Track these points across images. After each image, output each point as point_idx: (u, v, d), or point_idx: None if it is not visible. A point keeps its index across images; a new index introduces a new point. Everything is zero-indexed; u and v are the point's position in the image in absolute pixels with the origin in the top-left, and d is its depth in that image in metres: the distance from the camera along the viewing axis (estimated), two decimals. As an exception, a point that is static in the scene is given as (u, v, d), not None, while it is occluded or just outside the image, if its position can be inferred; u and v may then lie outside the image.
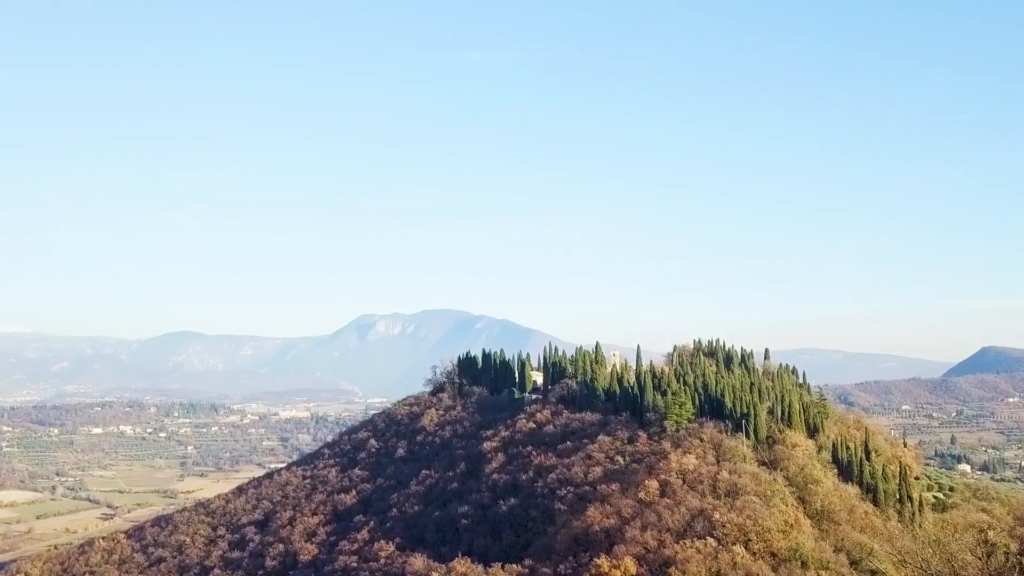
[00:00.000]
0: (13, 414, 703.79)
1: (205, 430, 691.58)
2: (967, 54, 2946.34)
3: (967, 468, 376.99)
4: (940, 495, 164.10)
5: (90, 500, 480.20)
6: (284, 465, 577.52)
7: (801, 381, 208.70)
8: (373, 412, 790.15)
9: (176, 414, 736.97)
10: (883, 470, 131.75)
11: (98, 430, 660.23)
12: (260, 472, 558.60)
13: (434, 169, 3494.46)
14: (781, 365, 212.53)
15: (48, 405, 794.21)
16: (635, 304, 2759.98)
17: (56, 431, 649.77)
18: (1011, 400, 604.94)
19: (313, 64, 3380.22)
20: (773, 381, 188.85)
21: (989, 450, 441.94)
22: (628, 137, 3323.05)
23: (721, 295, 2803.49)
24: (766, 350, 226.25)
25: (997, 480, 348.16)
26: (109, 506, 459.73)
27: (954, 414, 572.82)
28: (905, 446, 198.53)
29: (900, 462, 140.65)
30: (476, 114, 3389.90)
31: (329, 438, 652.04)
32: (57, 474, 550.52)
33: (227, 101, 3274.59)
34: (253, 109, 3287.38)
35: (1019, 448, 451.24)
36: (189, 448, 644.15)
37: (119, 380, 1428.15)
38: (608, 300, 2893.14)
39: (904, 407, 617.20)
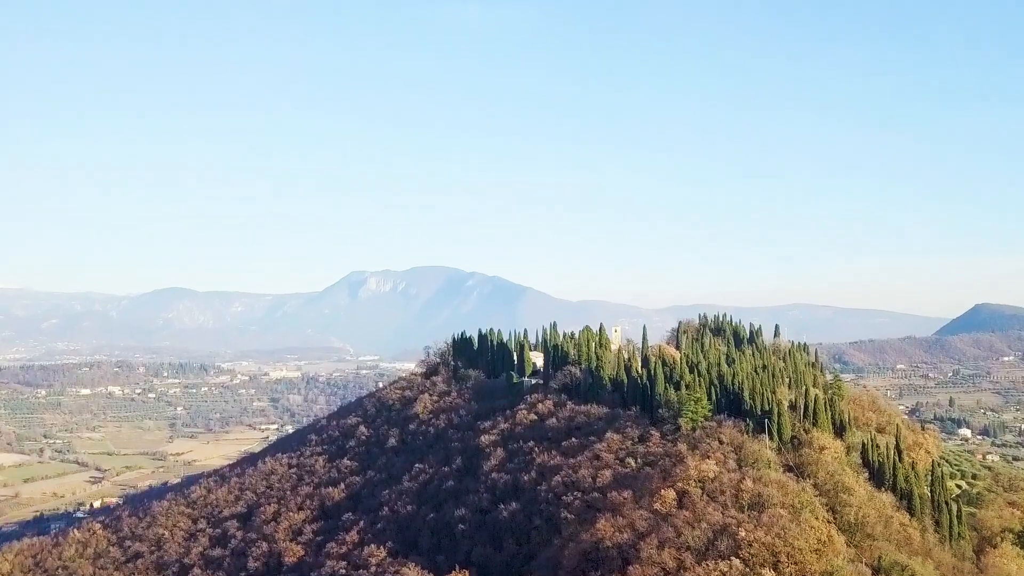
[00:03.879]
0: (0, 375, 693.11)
1: (195, 391, 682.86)
2: (968, 14, 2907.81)
3: (968, 433, 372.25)
4: (964, 484, 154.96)
5: (78, 463, 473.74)
6: (275, 427, 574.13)
7: (813, 359, 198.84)
8: (364, 371, 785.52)
9: (165, 374, 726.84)
10: (915, 470, 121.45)
11: (86, 391, 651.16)
12: (251, 433, 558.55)
13: (427, 126, 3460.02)
14: (793, 343, 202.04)
15: (36, 365, 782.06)
16: (627, 261, 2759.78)
17: (43, 392, 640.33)
18: (1006, 359, 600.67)
19: (305, 26, 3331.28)
20: (785, 361, 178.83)
21: (988, 412, 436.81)
22: (622, 98, 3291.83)
23: (711, 250, 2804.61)
24: (776, 327, 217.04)
25: (999, 445, 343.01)
26: (98, 469, 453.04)
27: (950, 374, 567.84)
28: (923, 428, 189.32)
29: (933, 462, 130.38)
30: (470, 72, 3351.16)
31: (320, 399, 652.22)
32: (45, 436, 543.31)
33: (216, 65, 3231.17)
34: (243, 72, 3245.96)
35: (1017, 410, 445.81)
36: (179, 409, 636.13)
37: (109, 338, 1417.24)
38: (600, 257, 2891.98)
39: (899, 366, 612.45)
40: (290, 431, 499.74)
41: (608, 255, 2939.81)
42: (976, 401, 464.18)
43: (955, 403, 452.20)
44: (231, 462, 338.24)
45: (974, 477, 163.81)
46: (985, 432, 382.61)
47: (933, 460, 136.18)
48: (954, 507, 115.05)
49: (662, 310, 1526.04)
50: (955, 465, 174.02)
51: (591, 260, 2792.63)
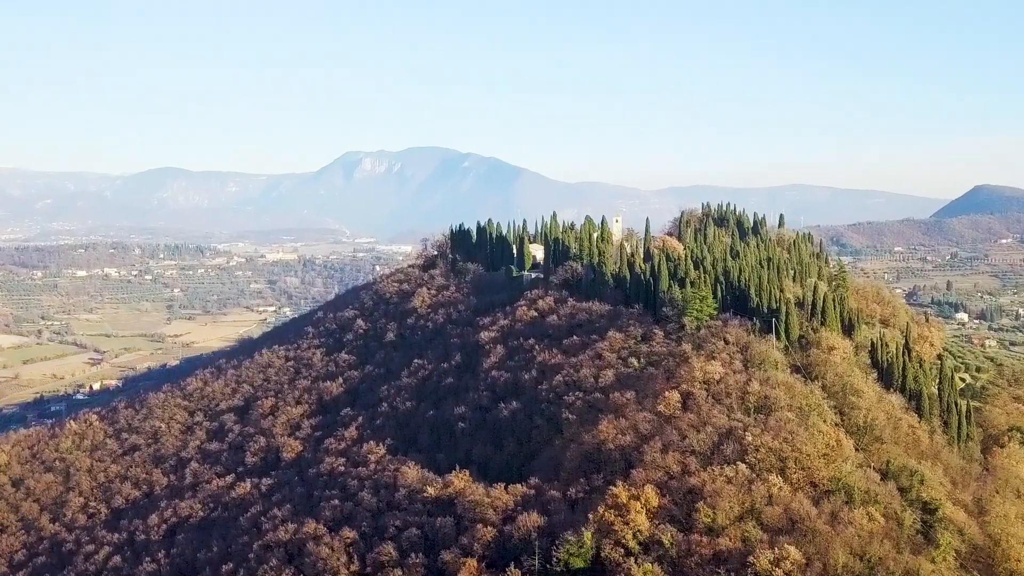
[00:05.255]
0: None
1: (191, 272, 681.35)
2: None
3: (964, 317, 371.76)
4: (967, 377, 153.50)
5: (77, 345, 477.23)
6: (272, 310, 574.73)
7: (817, 249, 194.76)
8: (361, 254, 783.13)
9: (161, 256, 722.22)
10: (923, 368, 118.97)
11: (82, 273, 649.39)
12: (248, 315, 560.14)
13: (423, 3, 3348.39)
14: (797, 233, 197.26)
15: (31, 246, 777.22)
16: (625, 141, 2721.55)
17: (40, 274, 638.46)
18: (1004, 241, 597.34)
19: None
20: (790, 253, 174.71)
21: (985, 296, 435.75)
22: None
23: (709, 131, 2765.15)
24: (780, 216, 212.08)
25: (996, 330, 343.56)
26: (96, 351, 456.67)
27: (948, 257, 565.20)
28: (927, 320, 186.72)
29: (940, 357, 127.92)
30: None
31: (317, 282, 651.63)
32: (42, 318, 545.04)
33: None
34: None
35: (1014, 294, 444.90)
36: (175, 291, 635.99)
37: (103, 218, 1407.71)
38: (598, 137, 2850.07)
39: (897, 249, 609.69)
40: (288, 313, 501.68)
41: (605, 136, 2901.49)
42: (973, 284, 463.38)
43: (952, 286, 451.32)
44: (230, 344, 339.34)
45: (978, 370, 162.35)
46: (982, 316, 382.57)
47: (940, 355, 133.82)
48: (963, 406, 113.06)
49: (661, 191, 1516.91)
50: (958, 357, 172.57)
51: (588, 140, 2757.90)
